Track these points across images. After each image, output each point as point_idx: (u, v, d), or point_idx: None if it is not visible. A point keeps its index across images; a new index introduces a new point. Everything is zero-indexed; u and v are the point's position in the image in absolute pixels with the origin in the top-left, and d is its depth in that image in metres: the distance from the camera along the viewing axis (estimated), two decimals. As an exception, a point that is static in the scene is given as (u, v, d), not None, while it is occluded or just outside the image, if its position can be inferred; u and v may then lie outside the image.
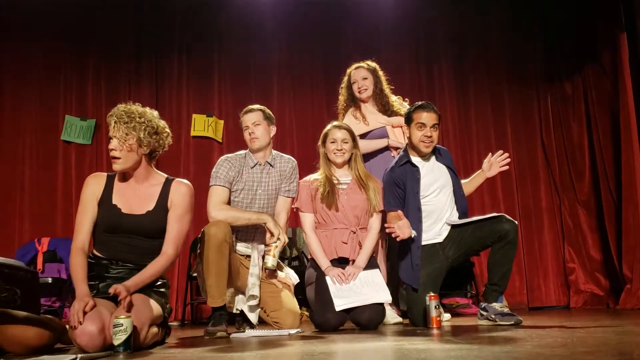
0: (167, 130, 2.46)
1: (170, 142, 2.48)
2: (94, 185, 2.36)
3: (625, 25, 4.45)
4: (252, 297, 2.87)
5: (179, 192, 2.39)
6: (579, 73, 4.96)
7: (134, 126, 2.30)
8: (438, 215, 3.00)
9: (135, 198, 2.36)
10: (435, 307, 2.72)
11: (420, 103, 3.04)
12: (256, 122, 3.07)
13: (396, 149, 3.47)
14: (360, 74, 3.60)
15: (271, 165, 3.10)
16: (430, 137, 2.95)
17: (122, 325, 1.97)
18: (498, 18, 5.33)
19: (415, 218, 2.95)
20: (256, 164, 3.08)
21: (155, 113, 2.44)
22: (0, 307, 1.96)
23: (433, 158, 3.08)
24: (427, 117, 2.94)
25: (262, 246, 3.04)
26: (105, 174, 2.43)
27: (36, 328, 2.07)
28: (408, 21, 5.27)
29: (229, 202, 3.02)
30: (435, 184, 3.00)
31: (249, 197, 3.04)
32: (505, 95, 5.30)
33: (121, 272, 2.31)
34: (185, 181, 2.46)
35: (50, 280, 4.21)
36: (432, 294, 2.75)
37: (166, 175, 2.46)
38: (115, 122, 2.31)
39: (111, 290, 2.10)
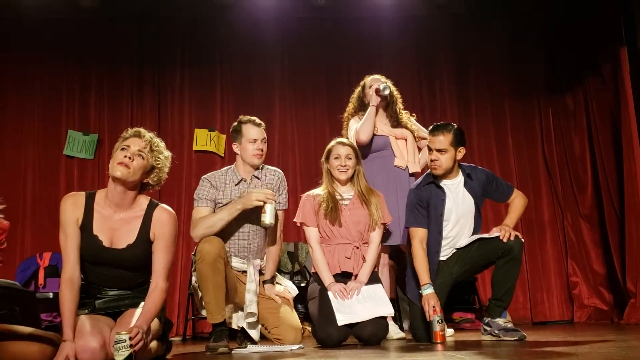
0: (166, 174, 2.41)
1: (162, 183, 2.43)
2: (73, 207, 2.25)
3: (625, 39, 4.47)
4: (250, 314, 2.84)
5: (161, 223, 2.29)
6: (580, 86, 4.97)
7: (154, 156, 2.30)
8: (450, 241, 2.96)
9: (116, 230, 2.27)
10: (439, 321, 2.70)
11: (433, 125, 3.01)
12: (264, 140, 3.07)
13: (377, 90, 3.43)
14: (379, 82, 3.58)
15: (258, 179, 3.06)
16: (435, 160, 2.92)
17: (124, 340, 1.94)
18: (498, 32, 5.35)
19: (436, 242, 2.93)
20: (240, 181, 3.04)
21: (170, 156, 2.42)
22: (2, 323, 1.96)
23: (461, 184, 2.99)
24: (432, 141, 2.94)
25: (258, 261, 3.02)
26: (84, 193, 2.32)
27: (39, 344, 2.06)
28: (409, 35, 5.29)
29: None
30: (454, 213, 2.94)
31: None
32: (506, 108, 5.30)
33: (116, 294, 2.30)
34: (168, 208, 2.36)
35: (51, 295, 4.18)
36: (439, 308, 2.73)
37: (149, 199, 2.36)
38: (140, 137, 2.30)
39: (132, 334, 2.00)
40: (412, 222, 2.97)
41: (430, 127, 3.01)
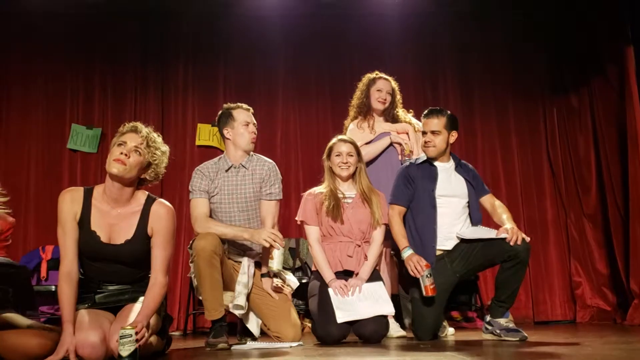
0: (163, 169, 2.40)
1: (160, 177, 2.42)
2: (71, 203, 2.26)
3: (632, 38, 4.43)
4: (238, 306, 2.83)
5: (159, 218, 2.29)
6: (585, 86, 4.94)
7: (151, 151, 2.29)
8: (445, 219, 2.96)
9: (114, 225, 2.27)
10: (427, 275, 2.73)
11: (427, 109, 3.11)
12: (255, 124, 3.10)
13: (399, 144, 3.47)
14: (388, 87, 3.60)
15: (245, 168, 3.04)
16: (429, 141, 3.01)
17: (130, 335, 1.94)
18: (503, 31, 5.32)
19: (431, 216, 2.95)
20: (230, 167, 3.04)
21: (167, 150, 2.41)
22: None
23: (452, 167, 3.09)
24: (426, 124, 3.05)
25: (254, 253, 3.02)
26: (82, 188, 2.32)
27: (38, 338, 2.06)
28: (413, 34, 5.26)
29: (210, 211, 3.01)
30: (447, 190, 2.99)
31: (225, 200, 3.00)
32: (510, 108, 5.27)
33: (115, 288, 2.31)
34: (166, 203, 2.36)
35: (53, 288, 4.19)
36: (425, 263, 2.76)
37: (147, 194, 2.36)
38: (137, 133, 2.28)
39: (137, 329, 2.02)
40: (395, 198, 3.04)
41: (425, 111, 3.10)
